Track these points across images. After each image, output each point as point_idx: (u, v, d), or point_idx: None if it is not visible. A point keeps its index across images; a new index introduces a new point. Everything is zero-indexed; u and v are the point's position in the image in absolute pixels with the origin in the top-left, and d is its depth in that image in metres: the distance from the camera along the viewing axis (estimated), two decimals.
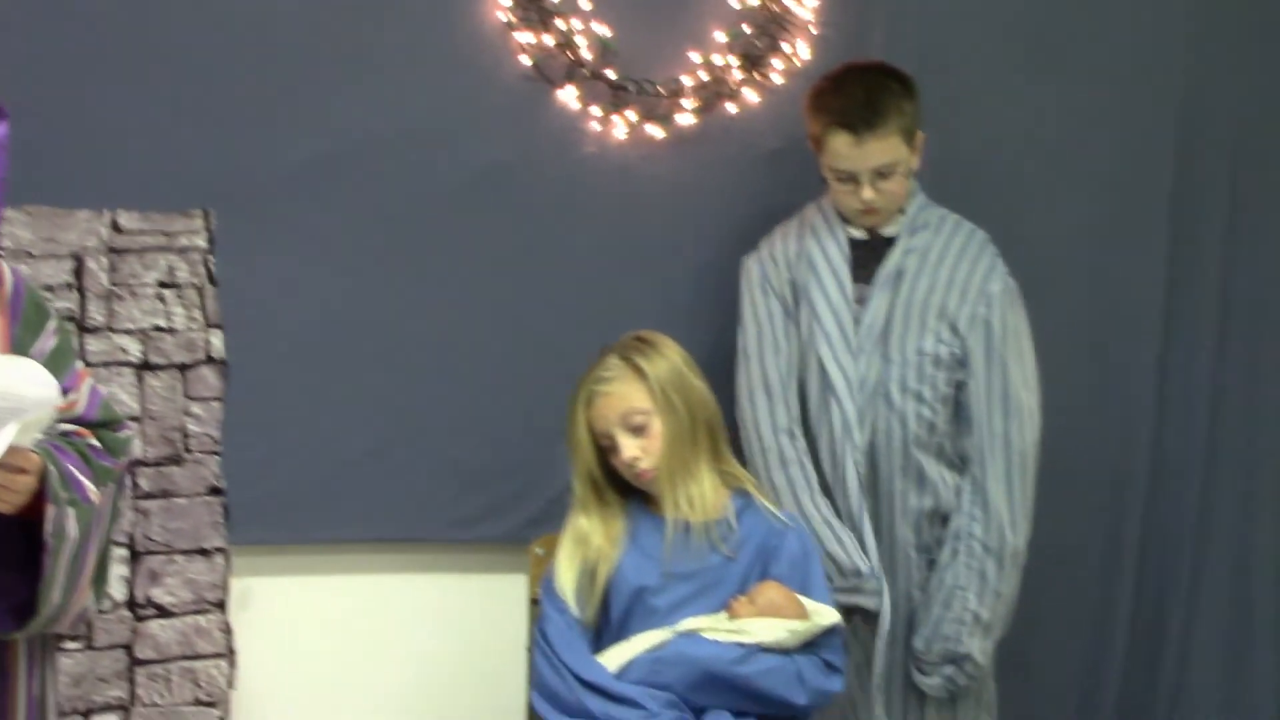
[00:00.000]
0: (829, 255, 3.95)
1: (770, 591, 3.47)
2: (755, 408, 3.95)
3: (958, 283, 3.95)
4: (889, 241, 3.98)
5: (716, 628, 3.42)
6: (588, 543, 3.53)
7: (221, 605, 3.99)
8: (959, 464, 3.93)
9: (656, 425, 3.51)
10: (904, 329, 3.91)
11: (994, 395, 3.91)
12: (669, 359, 3.56)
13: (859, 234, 3.98)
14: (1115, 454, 4.58)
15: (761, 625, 3.41)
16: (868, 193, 3.89)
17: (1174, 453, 4.62)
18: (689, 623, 3.45)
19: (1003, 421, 3.90)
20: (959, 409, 3.94)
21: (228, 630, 3.99)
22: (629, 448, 3.50)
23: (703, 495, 3.53)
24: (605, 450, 3.55)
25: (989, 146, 4.46)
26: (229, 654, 3.99)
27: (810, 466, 3.91)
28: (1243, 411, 4.67)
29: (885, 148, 3.86)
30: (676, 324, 3.97)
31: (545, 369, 4.10)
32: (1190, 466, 4.63)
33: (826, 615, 3.48)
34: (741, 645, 3.39)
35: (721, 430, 3.63)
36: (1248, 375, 4.67)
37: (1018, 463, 3.90)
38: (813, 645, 3.45)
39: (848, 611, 3.78)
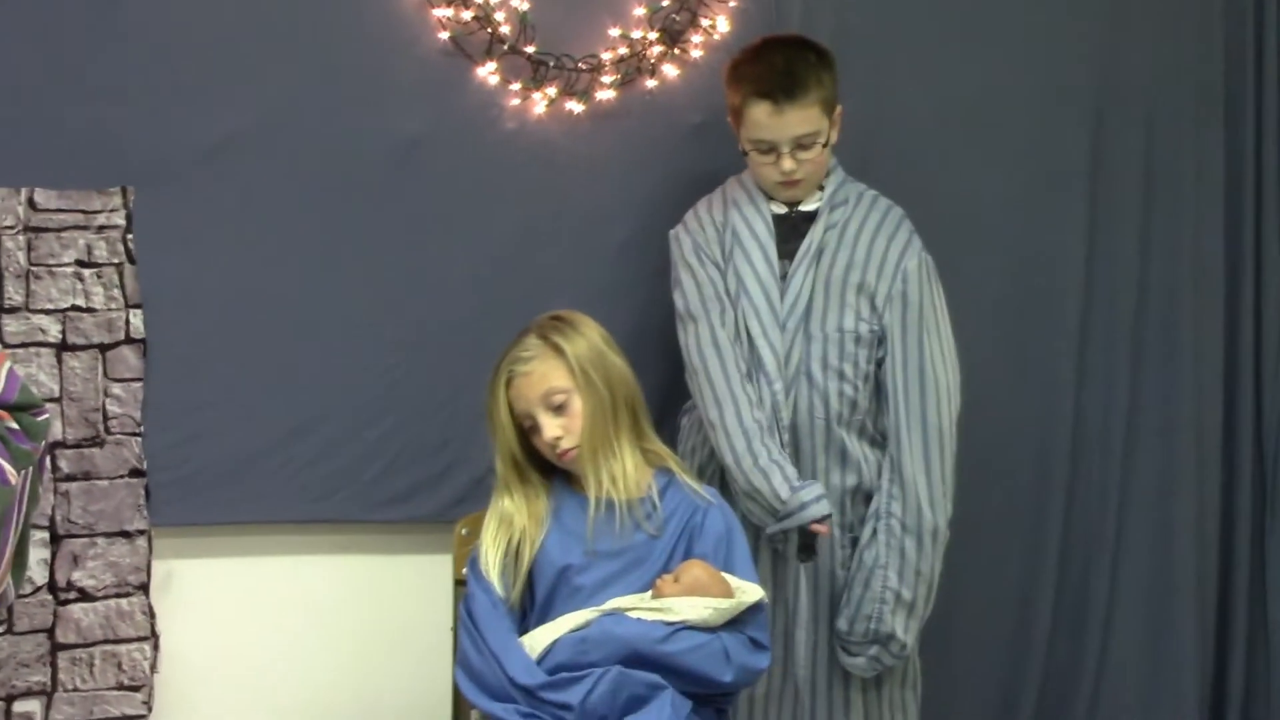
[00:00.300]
0: (755, 229, 3.95)
1: (694, 569, 3.47)
2: (706, 361, 3.90)
3: (875, 259, 3.95)
4: (808, 217, 3.98)
5: (641, 607, 3.42)
6: (511, 523, 3.53)
7: (144, 588, 3.96)
8: (881, 441, 3.94)
9: (577, 404, 3.51)
10: (825, 306, 3.92)
11: (910, 372, 3.91)
12: (588, 337, 3.56)
13: (779, 209, 3.98)
14: (1037, 429, 4.61)
15: (686, 603, 3.41)
16: (788, 163, 3.89)
17: (1095, 426, 4.65)
18: (614, 602, 3.44)
19: (919, 399, 3.91)
20: (879, 386, 3.95)
21: (151, 613, 3.97)
22: (550, 427, 3.50)
23: (625, 473, 3.53)
24: (527, 430, 3.55)
25: (907, 121, 4.47)
26: (152, 637, 3.97)
27: (769, 409, 3.90)
28: (1161, 384, 4.69)
29: (805, 118, 3.86)
30: (598, 300, 3.99)
31: (467, 347, 4.09)
32: (1111, 439, 4.66)
33: (751, 592, 3.48)
34: (666, 624, 3.38)
35: (643, 408, 3.63)
36: (1165, 348, 4.69)
37: (935, 440, 3.91)
38: (738, 623, 3.45)
39: (808, 547, 3.82)
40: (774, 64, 3.88)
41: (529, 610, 3.53)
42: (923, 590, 3.89)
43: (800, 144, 3.88)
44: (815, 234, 3.95)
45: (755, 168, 3.95)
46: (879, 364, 3.94)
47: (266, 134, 4.04)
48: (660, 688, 3.32)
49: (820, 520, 3.78)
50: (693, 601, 3.41)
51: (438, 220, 4.16)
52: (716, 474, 3.93)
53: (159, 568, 3.99)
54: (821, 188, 3.99)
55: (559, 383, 3.51)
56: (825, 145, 3.93)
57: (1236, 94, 4.77)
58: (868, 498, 3.92)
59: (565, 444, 3.51)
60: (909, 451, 3.88)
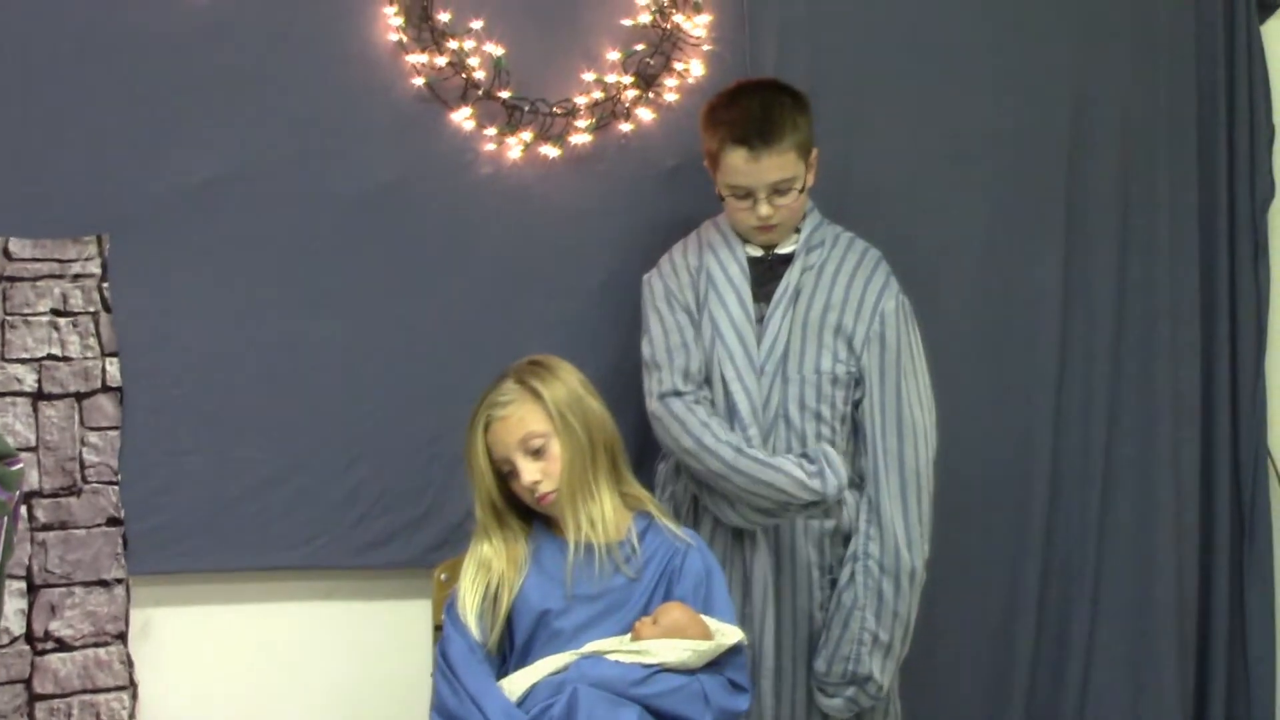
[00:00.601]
0: (729, 273, 3.96)
1: (674, 612, 3.47)
2: (670, 406, 3.91)
3: (853, 301, 3.96)
4: (785, 260, 3.99)
5: (619, 649, 3.42)
6: (490, 567, 3.53)
7: (122, 637, 3.95)
8: (858, 483, 3.95)
9: (555, 448, 3.51)
10: (802, 348, 3.92)
11: (888, 414, 3.92)
12: (565, 382, 3.57)
13: (755, 252, 3.99)
14: (1016, 465, 4.61)
15: (665, 645, 3.41)
16: (764, 209, 3.90)
17: (1073, 461, 4.65)
18: (592, 645, 3.44)
19: (897, 441, 3.91)
20: (856, 428, 3.95)
21: (129, 662, 3.95)
22: (528, 472, 3.50)
23: (604, 517, 3.53)
24: (505, 475, 3.55)
25: (882, 163, 4.48)
26: (130, 686, 3.95)
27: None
28: (1138, 417, 4.70)
29: (781, 163, 3.87)
30: (575, 344, 4.00)
31: (445, 392, 4.10)
32: (1090, 473, 4.66)
33: (730, 634, 3.48)
34: (644, 666, 3.38)
35: (621, 451, 3.63)
36: (1142, 381, 4.70)
37: (913, 482, 3.92)
38: (717, 665, 3.45)
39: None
40: (750, 110, 3.89)
41: (508, 655, 3.52)
42: (899, 631, 3.89)
43: (777, 189, 3.89)
44: (792, 276, 3.96)
45: (732, 212, 3.96)
46: (856, 405, 3.95)
47: (242, 181, 4.03)
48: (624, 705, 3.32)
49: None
50: (671, 643, 3.41)
51: (414, 265, 4.16)
52: (693, 515, 3.93)
53: (137, 616, 3.98)
54: (798, 230, 4.00)
55: (537, 427, 3.51)
56: (802, 190, 3.93)
57: (1210, 133, 4.79)
58: (846, 539, 3.93)
59: (544, 488, 3.51)
60: (887, 493, 3.89)
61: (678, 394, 3.90)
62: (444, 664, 3.46)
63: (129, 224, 3.96)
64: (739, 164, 3.87)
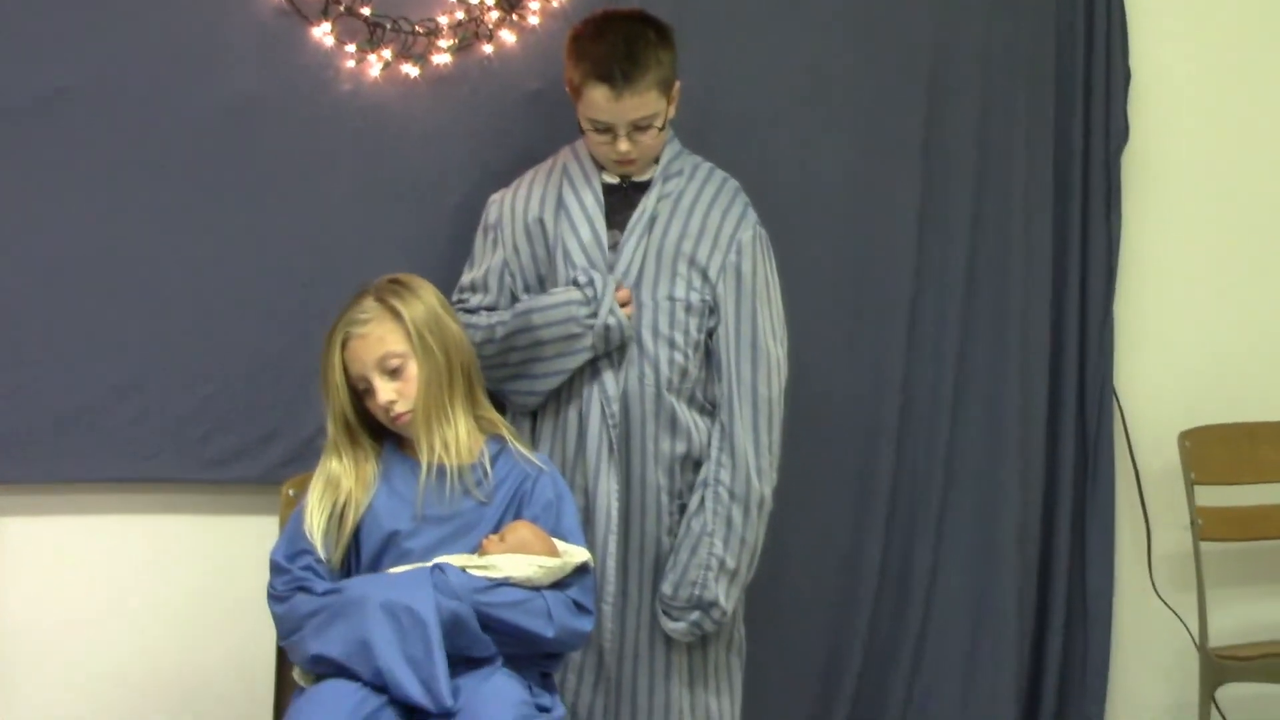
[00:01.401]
0: (584, 203, 3.96)
1: (521, 530, 3.49)
2: (474, 330, 3.92)
3: (709, 230, 3.97)
4: (641, 187, 4.00)
5: (467, 564, 3.42)
6: (338, 485, 3.52)
7: None
8: (710, 410, 3.97)
9: (412, 369, 3.50)
10: (656, 275, 3.93)
11: (742, 344, 3.94)
12: (425, 301, 3.56)
13: (612, 179, 3.99)
14: (867, 399, 4.63)
15: (511, 561, 3.42)
16: (624, 145, 3.90)
17: (923, 393, 4.69)
18: (439, 559, 3.43)
19: (750, 370, 3.94)
20: (709, 355, 3.97)
21: None
22: (385, 391, 3.49)
23: (458, 439, 3.53)
24: (360, 393, 3.54)
25: (744, 95, 4.48)
26: None
27: None
28: (988, 354, 4.74)
29: (642, 102, 3.87)
30: (430, 265, 4.00)
31: (298, 308, 4.09)
32: (939, 406, 4.71)
33: (577, 554, 3.50)
34: (490, 580, 3.39)
35: (478, 374, 3.64)
36: (993, 321, 4.74)
37: (764, 411, 3.94)
38: (562, 585, 3.47)
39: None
40: (614, 46, 3.86)
41: (353, 574, 3.51)
42: (746, 558, 3.93)
43: (637, 126, 3.89)
44: (648, 203, 3.96)
45: (592, 144, 3.96)
46: (710, 334, 3.96)
47: (95, 90, 4.00)
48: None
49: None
50: (517, 559, 3.42)
51: (270, 181, 4.13)
52: (540, 442, 3.95)
53: None
54: (657, 160, 4.01)
55: (395, 347, 3.50)
56: (662, 128, 3.94)
57: (1067, 76, 4.83)
58: (696, 465, 3.95)
59: (399, 408, 3.50)
60: (740, 421, 3.92)
61: (456, 302, 3.94)
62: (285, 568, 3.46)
63: None
64: (600, 101, 3.86)
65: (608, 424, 3.90)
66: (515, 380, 3.94)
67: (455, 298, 3.97)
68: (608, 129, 3.88)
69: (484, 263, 4.01)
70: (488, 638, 3.36)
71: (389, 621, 3.29)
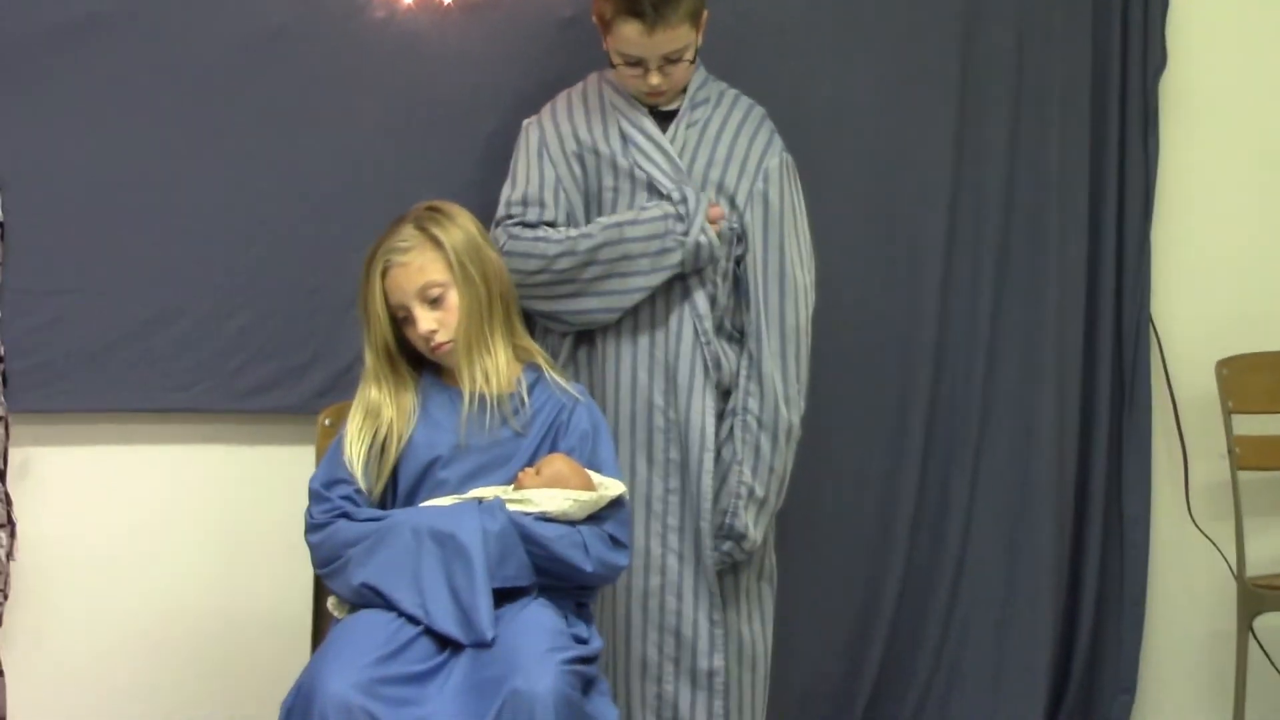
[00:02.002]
0: (648, 132, 3.93)
1: (556, 463, 3.47)
2: (516, 239, 3.87)
3: (736, 158, 3.95)
4: (669, 115, 3.98)
5: (502, 498, 3.41)
6: (379, 414, 3.50)
7: (1, 475, 3.91)
8: (738, 338, 3.95)
9: (453, 298, 3.49)
10: None
11: (770, 272, 3.92)
12: (465, 229, 3.53)
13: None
14: (902, 329, 4.63)
15: (546, 494, 3.41)
16: (655, 78, 3.87)
17: (960, 325, 4.69)
18: (475, 493, 3.43)
19: (779, 298, 3.92)
20: (737, 284, 3.95)
21: (7, 500, 3.91)
22: (426, 320, 3.48)
23: (498, 369, 3.52)
24: (400, 321, 3.52)
25: (773, 21, 4.46)
26: (9, 524, 3.91)
27: None
28: (1024, 284, 4.73)
29: (674, 36, 3.83)
30: (465, 193, 3.97)
31: (332, 237, 4.08)
32: (976, 338, 4.70)
33: (613, 487, 3.49)
34: (526, 514, 3.38)
35: (515, 303, 3.63)
36: (1030, 248, 4.73)
37: (792, 339, 3.93)
38: (598, 519, 3.45)
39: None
40: None
41: (389, 503, 3.52)
42: (775, 486, 3.93)
43: (668, 59, 3.86)
44: (676, 133, 3.94)
45: (621, 76, 3.94)
46: (738, 261, 3.94)
47: (127, 16, 3.97)
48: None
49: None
50: (552, 493, 3.41)
51: (303, 109, 4.11)
52: (576, 372, 3.93)
53: (16, 454, 3.94)
54: (684, 89, 3.98)
55: (437, 276, 3.48)
56: (692, 60, 3.92)
57: (1103, 6, 4.79)
58: (725, 394, 3.93)
59: (440, 338, 3.49)
60: (768, 350, 3.90)
61: (509, 218, 3.90)
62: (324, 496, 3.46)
63: (11, 56, 3.90)
64: (631, 35, 3.83)
65: (700, 342, 3.89)
66: (582, 298, 3.87)
67: (505, 213, 3.92)
68: (638, 62, 3.86)
69: (534, 179, 3.94)
70: (529, 565, 3.36)
71: (436, 550, 3.30)
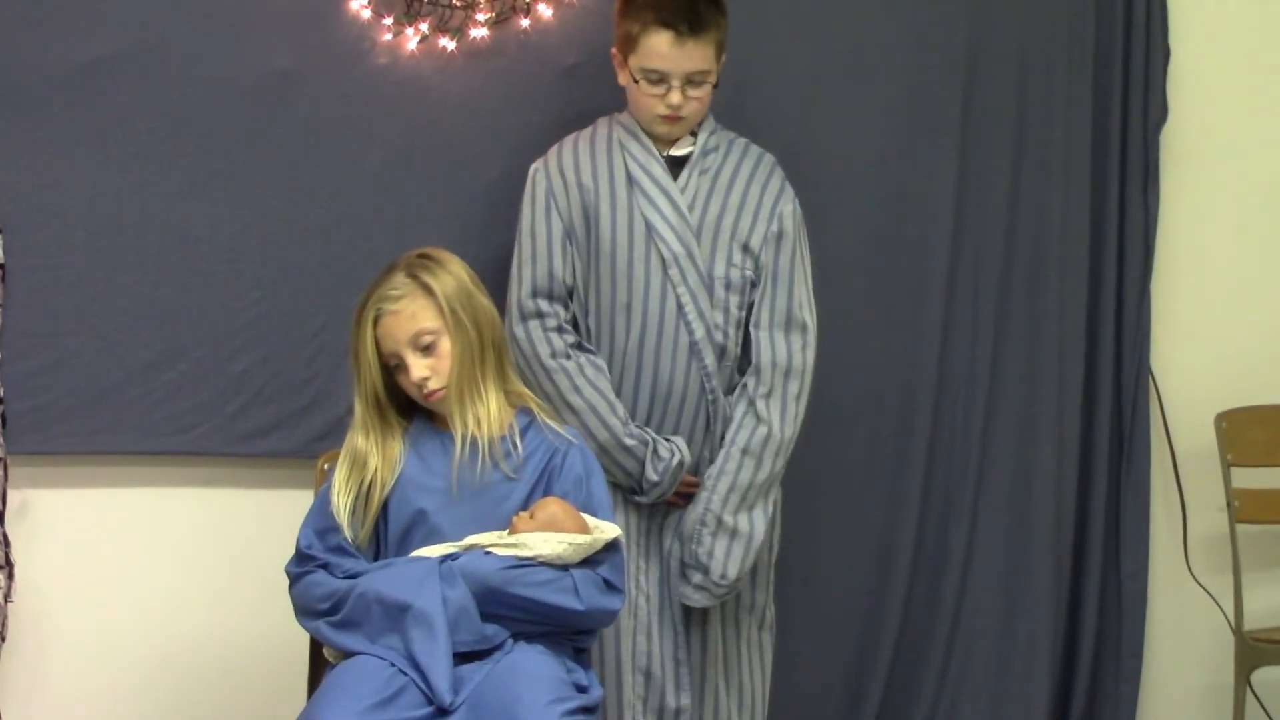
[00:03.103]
0: (653, 174, 3.94)
1: (551, 507, 3.47)
2: (528, 327, 3.92)
3: (750, 205, 3.97)
4: (679, 163, 3.99)
5: (496, 543, 3.41)
6: (365, 465, 3.50)
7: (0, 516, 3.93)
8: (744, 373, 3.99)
9: (445, 345, 3.49)
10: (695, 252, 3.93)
11: (777, 313, 3.94)
12: (457, 276, 3.54)
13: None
14: (902, 375, 4.63)
15: (540, 539, 3.40)
16: (676, 97, 3.88)
17: (959, 373, 4.69)
18: (469, 539, 3.43)
19: (785, 338, 3.93)
20: (744, 323, 3.97)
21: (5, 542, 3.92)
22: (418, 368, 3.48)
23: (490, 415, 3.52)
24: (392, 369, 3.53)
25: (779, 68, 4.48)
26: (7, 566, 3.92)
27: (606, 380, 3.92)
28: (1024, 333, 4.74)
29: (703, 54, 3.87)
30: (466, 240, 4.01)
31: (333, 283, 4.10)
32: (975, 387, 4.70)
33: (608, 530, 3.48)
34: (520, 559, 3.38)
35: (506, 349, 3.63)
36: (1030, 298, 4.73)
37: (796, 380, 3.93)
38: (592, 563, 3.44)
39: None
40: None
41: (380, 550, 3.52)
42: (748, 522, 3.91)
43: (691, 80, 3.88)
44: (690, 179, 3.96)
45: (639, 98, 3.94)
46: (749, 309, 3.96)
47: (133, 60, 4.00)
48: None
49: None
50: (547, 537, 3.40)
51: (306, 154, 4.13)
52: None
53: (15, 496, 3.94)
54: (694, 134, 3.99)
55: (429, 324, 3.48)
56: (715, 86, 3.93)
57: (1106, 53, 4.81)
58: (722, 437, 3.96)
59: (432, 385, 3.49)
60: (766, 388, 3.91)
61: (539, 315, 3.91)
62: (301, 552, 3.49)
63: (15, 99, 3.92)
64: (662, 48, 3.85)
65: (706, 400, 3.92)
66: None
67: (527, 308, 3.92)
68: (662, 79, 3.87)
69: (541, 238, 3.94)
70: (494, 628, 3.37)
71: (393, 622, 3.33)
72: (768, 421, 3.90)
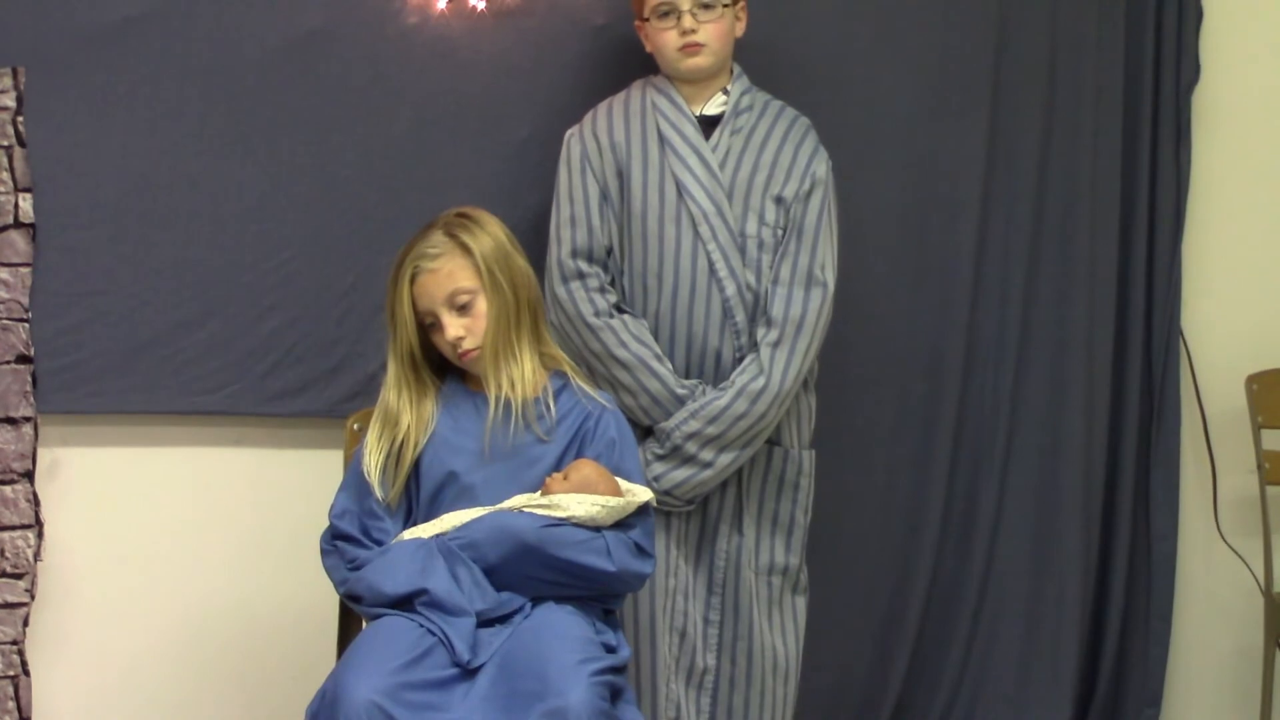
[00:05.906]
0: (684, 133, 3.94)
1: (585, 469, 3.47)
2: (570, 288, 3.92)
3: (783, 164, 3.96)
4: (712, 122, 3.98)
5: (529, 504, 3.41)
6: (396, 423, 3.50)
7: (29, 475, 3.93)
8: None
9: (481, 305, 3.48)
10: (728, 210, 3.91)
11: (800, 266, 3.92)
12: (494, 236, 3.53)
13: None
14: (932, 338, 4.61)
15: (574, 500, 3.40)
16: (689, 21, 3.88)
17: (989, 335, 4.67)
18: (505, 504, 3.43)
19: (803, 293, 3.91)
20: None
21: (35, 501, 3.93)
22: (453, 327, 3.48)
23: (524, 376, 3.51)
24: (427, 327, 3.52)
25: (810, 31, 4.45)
26: (36, 525, 3.94)
27: (649, 335, 3.92)
28: (1054, 295, 4.72)
29: None
30: (496, 200, 3.99)
31: (363, 243, 4.09)
32: (1005, 348, 4.68)
33: (640, 493, 3.49)
34: (553, 519, 3.38)
35: (542, 310, 3.62)
36: (1060, 259, 4.71)
37: (806, 334, 3.90)
38: (625, 525, 3.45)
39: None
40: None
41: (412, 510, 3.53)
42: (720, 433, 3.89)
43: (703, 3, 3.87)
44: (721, 138, 3.95)
45: (658, 41, 3.94)
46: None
47: (163, 19, 3.99)
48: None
49: None
50: (580, 498, 3.40)
51: (336, 114, 4.12)
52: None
53: (44, 455, 3.96)
54: (726, 92, 3.98)
55: (465, 283, 3.48)
56: (730, 22, 3.93)
57: (1138, 14, 4.78)
58: None
59: (467, 344, 3.48)
60: (780, 343, 3.89)
61: (580, 275, 3.91)
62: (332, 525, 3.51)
63: (46, 57, 3.92)
64: None
65: (739, 357, 3.92)
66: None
67: (568, 268, 3.92)
68: (671, 10, 3.88)
69: (579, 200, 3.95)
70: (507, 594, 3.38)
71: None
72: (768, 372, 3.88)
